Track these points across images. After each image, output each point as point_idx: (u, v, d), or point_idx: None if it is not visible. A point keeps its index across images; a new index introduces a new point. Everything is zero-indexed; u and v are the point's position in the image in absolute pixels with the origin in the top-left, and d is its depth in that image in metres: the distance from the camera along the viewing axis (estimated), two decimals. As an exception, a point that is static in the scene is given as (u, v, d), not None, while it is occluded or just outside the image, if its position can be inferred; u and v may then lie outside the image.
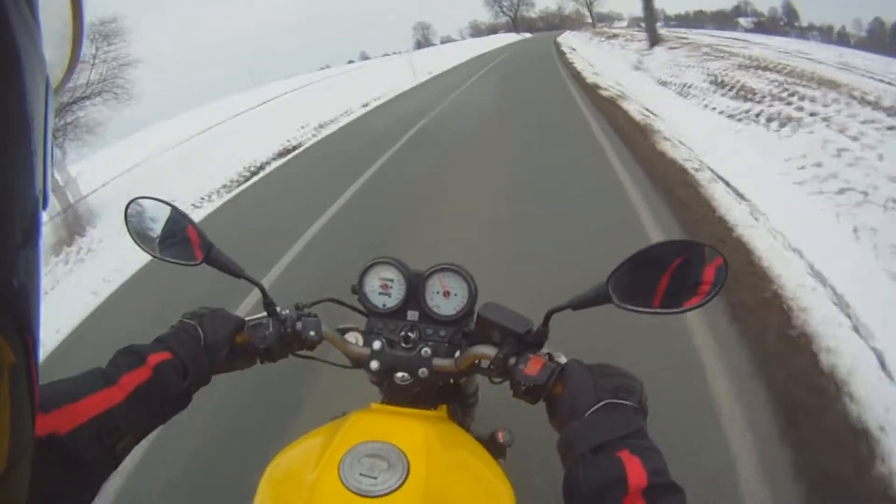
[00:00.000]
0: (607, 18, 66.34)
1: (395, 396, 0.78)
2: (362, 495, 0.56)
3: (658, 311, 0.57)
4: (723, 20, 66.66)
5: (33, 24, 0.18)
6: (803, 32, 53.86)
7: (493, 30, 74.51)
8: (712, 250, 0.55)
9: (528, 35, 52.32)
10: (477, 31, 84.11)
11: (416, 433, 0.66)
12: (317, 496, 0.57)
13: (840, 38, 49.95)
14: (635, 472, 0.47)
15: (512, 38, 45.37)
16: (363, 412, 0.75)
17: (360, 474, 0.58)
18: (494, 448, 0.82)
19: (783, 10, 68.22)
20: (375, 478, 0.57)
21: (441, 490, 0.59)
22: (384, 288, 0.81)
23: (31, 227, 0.18)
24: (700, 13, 68.52)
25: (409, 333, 0.77)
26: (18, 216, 0.17)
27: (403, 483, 0.57)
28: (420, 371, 0.75)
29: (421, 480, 0.57)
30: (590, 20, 64.21)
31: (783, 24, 64.00)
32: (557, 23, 76.44)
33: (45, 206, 0.20)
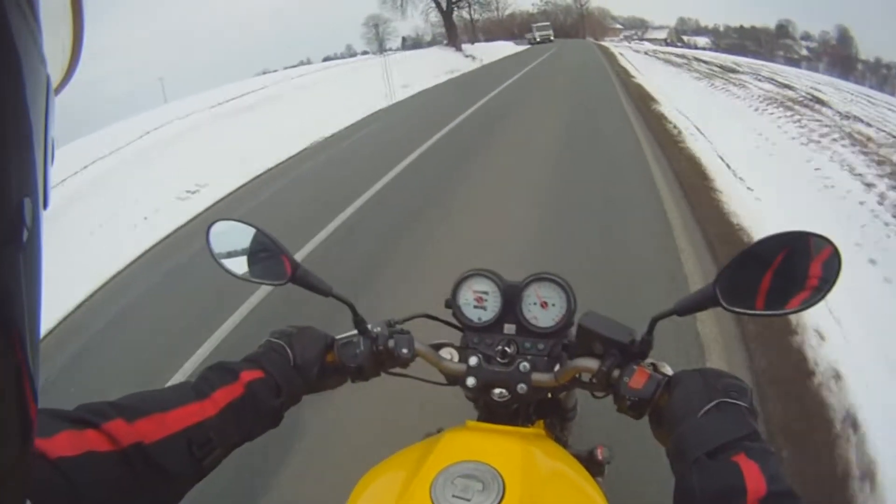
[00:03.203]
0: (633, 24, 53.34)
1: (492, 413, 0.76)
2: None
3: (762, 312, 0.55)
4: (767, 42, 54.26)
5: (34, 24, 0.18)
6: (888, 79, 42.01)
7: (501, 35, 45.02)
8: (819, 240, 0.51)
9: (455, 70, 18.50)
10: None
11: (512, 452, 0.63)
12: None
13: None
14: (753, 479, 0.44)
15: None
16: (458, 430, 0.72)
17: (453, 496, 0.56)
18: (593, 466, 0.82)
19: (837, 35, 56.21)
20: (469, 500, 0.55)
21: None
22: (479, 301, 0.79)
23: (17, 223, 0.17)
24: (743, 29, 56.14)
25: (507, 348, 0.74)
26: (7, 212, 0.17)
27: None
28: (518, 387, 0.72)
29: (516, 502, 0.55)
30: (618, 25, 48.90)
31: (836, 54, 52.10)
32: (568, 27, 51.65)
33: (45, 205, 0.20)
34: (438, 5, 31.74)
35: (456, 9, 33.53)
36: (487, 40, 42.59)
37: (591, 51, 24.92)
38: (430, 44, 38.00)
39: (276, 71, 27.27)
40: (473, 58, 24.06)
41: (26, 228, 0.18)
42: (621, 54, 21.09)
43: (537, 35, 41.96)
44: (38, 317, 0.19)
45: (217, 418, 0.55)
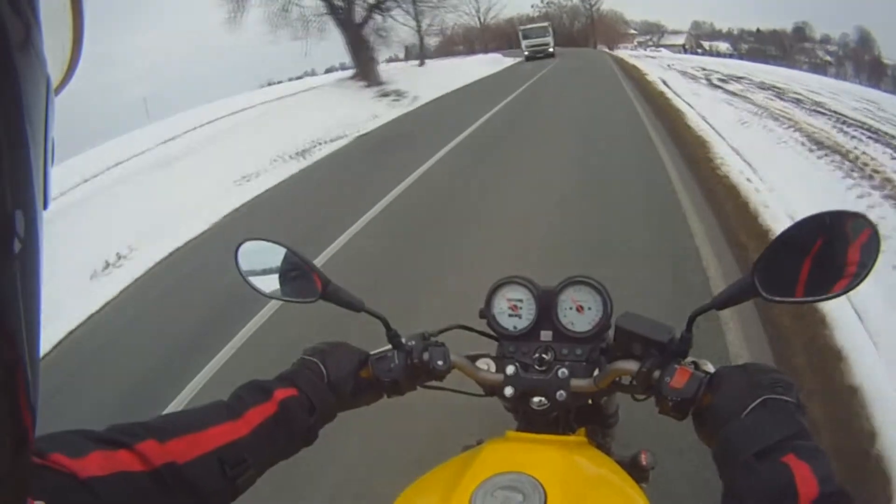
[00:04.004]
0: (647, 28, 51.36)
1: (532, 422, 0.75)
2: None
3: (802, 300, 0.54)
4: (790, 47, 52.31)
5: (33, 24, 0.18)
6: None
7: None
8: (858, 221, 0.50)
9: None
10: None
11: (553, 462, 0.63)
12: None
13: None
14: (805, 481, 0.43)
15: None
16: (498, 441, 0.71)
17: None
18: (636, 471, 0.80)
19: (857, 38, 54.04)
20: None
21: None
22: (513, 309, 0.79)
23: (7, 235, 0.17)
24: (760, 33, 54.09)
25: (544, 355, 0.73)
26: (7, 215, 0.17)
27: None
28: (558, 394, 0.71)
29: None
30: (632, 30, 46.09)
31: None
32: (576, 32, 44.28)
33: (45, 205, 0.20)
34: (334, 10, 15.86)
35: (380, 14, 16.95)
36: (486, 51, 34.71)
37: (608, 74, 14.60)
38: (344, 67, 24.28)
39: (280, 82, 25.21)
40: (399, 96, 13.40)
41: (19, 239, 0.17)
42: (663, 81, 11.28)
43: (526, 46, 26.68)
44: (37, 326, 0.19)
45: (250, 437, 0.55)
